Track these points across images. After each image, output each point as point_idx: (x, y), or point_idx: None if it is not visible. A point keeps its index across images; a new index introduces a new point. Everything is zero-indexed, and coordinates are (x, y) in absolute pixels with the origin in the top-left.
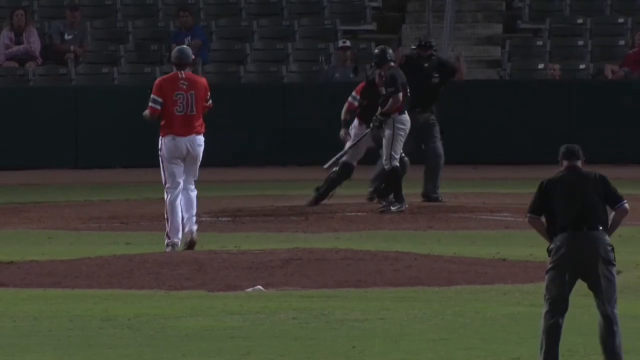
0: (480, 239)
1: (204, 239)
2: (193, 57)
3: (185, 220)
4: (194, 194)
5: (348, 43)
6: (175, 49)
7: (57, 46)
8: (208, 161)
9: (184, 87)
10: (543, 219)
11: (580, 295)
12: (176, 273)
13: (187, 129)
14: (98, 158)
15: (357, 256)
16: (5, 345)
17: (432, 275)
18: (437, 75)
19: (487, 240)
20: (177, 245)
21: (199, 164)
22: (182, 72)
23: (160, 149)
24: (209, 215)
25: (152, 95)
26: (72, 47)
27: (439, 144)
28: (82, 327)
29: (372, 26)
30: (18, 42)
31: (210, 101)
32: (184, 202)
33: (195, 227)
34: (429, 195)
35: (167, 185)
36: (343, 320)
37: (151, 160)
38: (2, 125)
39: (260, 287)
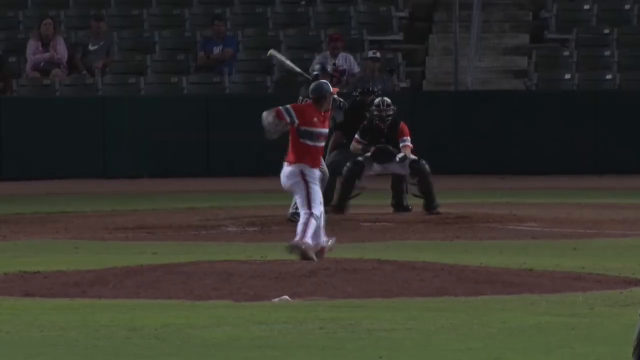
0: (508, 249)
1: (230, 249)
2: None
3: None
4: None
5: (378, 54)
6: None
7: (77, 60)
8: (234, 171)
9: None
10: None
11: (607, 306)
12: (203, 283)
13: None
14: (126, 168)
15: (384, 266)
16: (33, 355)
17: (458, 285)
18: None
19: (514, 250)
20: None
21: None
22: None
23: None
24: (235, 225)
25: None
26: (93, 64)
27: None
28: (109, 337)
29: (399, 36)
30: (45, 52)
31: None
32: None
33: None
34: None
35: None
36: (370, 330)
37: (177, 169)
38: (29, 135)
39: (287, 297)
